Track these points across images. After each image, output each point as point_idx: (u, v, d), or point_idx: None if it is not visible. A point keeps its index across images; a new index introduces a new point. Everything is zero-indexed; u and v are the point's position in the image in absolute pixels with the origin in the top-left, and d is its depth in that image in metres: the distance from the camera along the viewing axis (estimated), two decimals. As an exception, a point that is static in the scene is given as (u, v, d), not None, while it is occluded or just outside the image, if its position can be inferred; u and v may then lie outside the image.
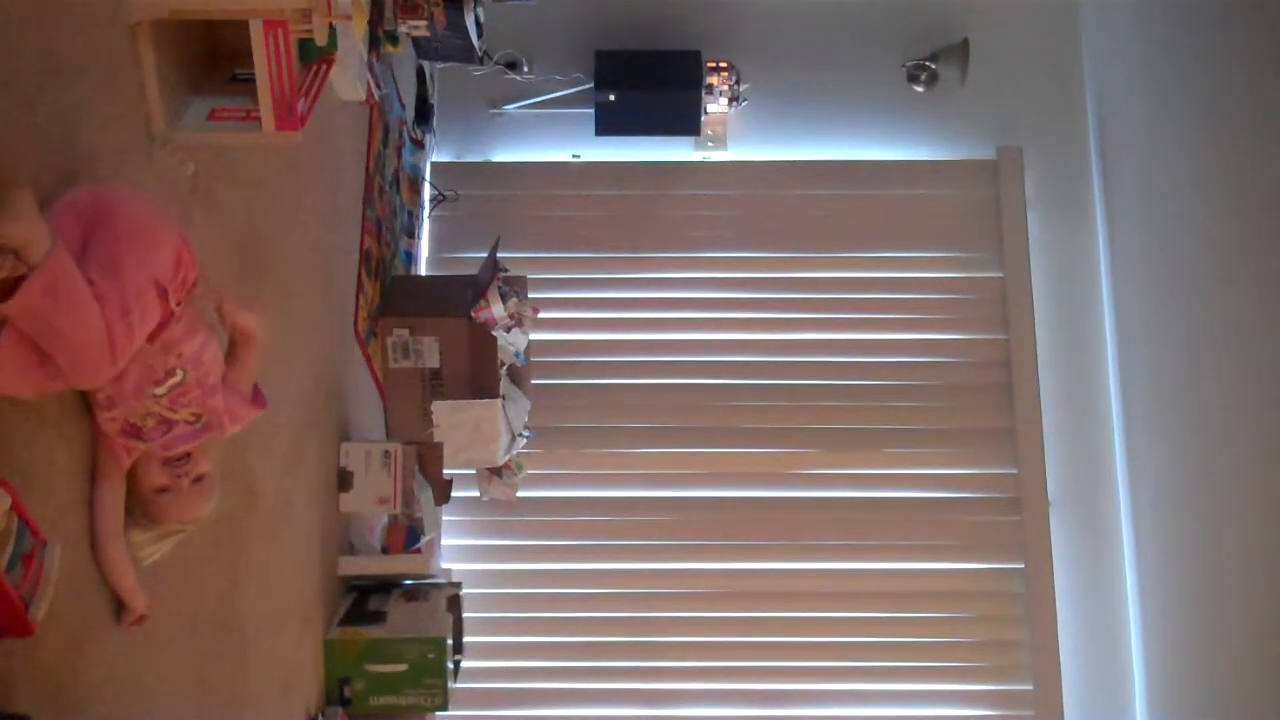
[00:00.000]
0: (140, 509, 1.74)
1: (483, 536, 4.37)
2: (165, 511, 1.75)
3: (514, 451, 3.93)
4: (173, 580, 1.96)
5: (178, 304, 1.61)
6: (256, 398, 1.88)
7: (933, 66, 4.53)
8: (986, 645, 4.37)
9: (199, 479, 1.76)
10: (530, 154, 4.62)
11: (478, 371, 3.62)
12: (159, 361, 1.61)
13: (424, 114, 4.25)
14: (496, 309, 3.55)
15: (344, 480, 3.08)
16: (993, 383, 4.46)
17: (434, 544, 3.45)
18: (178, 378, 1.63)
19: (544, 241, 4.53)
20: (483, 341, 3.60)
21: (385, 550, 3.35)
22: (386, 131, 3.74)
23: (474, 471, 4.05)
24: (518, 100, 4.58)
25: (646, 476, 4.43)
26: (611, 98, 4.42)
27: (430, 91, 4.32)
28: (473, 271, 3.77)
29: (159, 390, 1.61)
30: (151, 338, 1.58)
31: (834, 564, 4.41)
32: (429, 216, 4.48)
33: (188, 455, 1.74)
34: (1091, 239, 4.55)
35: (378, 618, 3.07)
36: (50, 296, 1.36)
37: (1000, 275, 4.51)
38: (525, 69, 4.58)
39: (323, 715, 2.93)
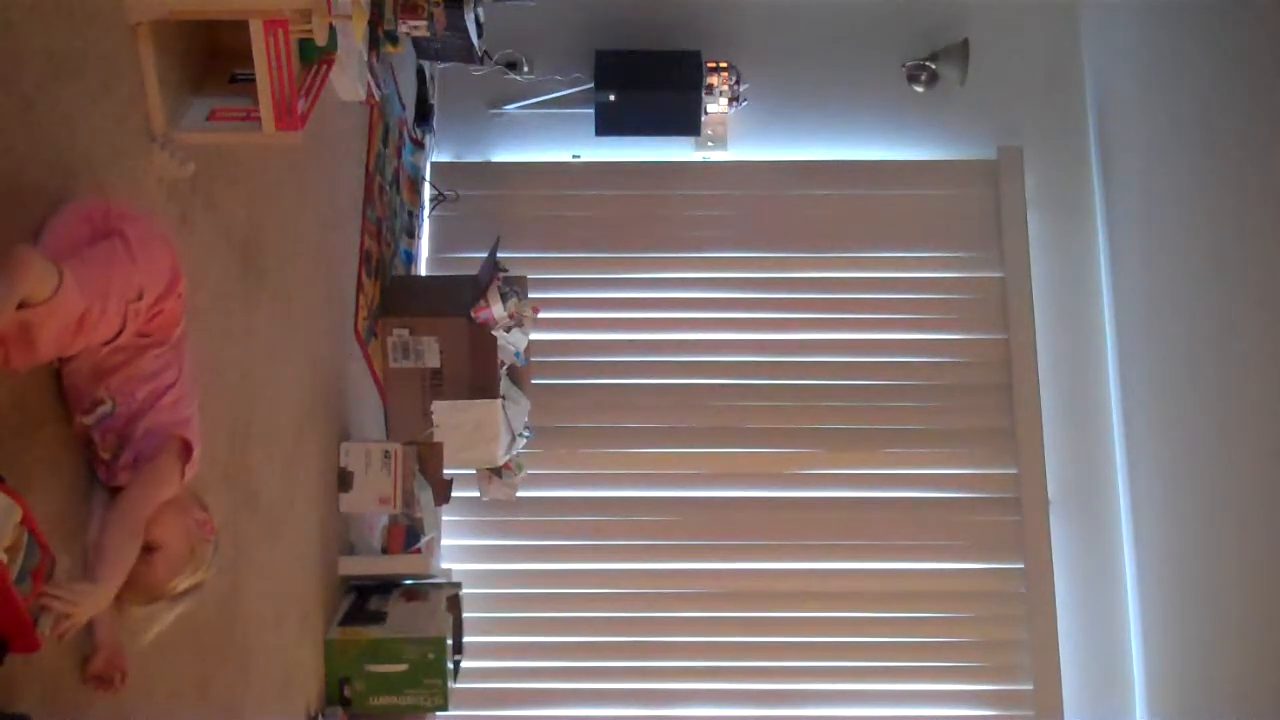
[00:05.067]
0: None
1: (483, 536, 4.37)
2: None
3: (514, 451, 3.93)
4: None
5: (146, 335, 1.59)
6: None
7: (933, 66, 4.53)
8: (986, 645, 4.37)
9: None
10: (530, 154, 4.62)
11: (478, 371, 3.62)
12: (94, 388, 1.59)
13: (424, 114, 4.25)
14: (496, 309, 3.55)
15: (344, 480, 3.08)
16: (993, 383, 4.46)
17: (434, 544, 3.45)
18: (106, 406, 1.61)
19: (544, 241, 4.53)
20: (483, 341, 3.60)
21: (385, 550, 3.35)
22: (386, 131, 3.74)
23: (474, 471, 4.05)
24: (518, 100, 4.58)
25: (646, 476, 4.43)
26: (611, 98, 4.42)
27: (430, 91, 4.31)
28: (473, 271, 3.76)
29: (87, 420, 1.61)
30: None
31: (834, 564, 4.41)
32: (429, 216, 4.47)
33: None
34: (1091, 239, 4.55)
35: (378, 618, 3.07)
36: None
37: (1000, 275, 4.51)
38: (525, 69, 4.58)
39: (323, 715, 2.93)
